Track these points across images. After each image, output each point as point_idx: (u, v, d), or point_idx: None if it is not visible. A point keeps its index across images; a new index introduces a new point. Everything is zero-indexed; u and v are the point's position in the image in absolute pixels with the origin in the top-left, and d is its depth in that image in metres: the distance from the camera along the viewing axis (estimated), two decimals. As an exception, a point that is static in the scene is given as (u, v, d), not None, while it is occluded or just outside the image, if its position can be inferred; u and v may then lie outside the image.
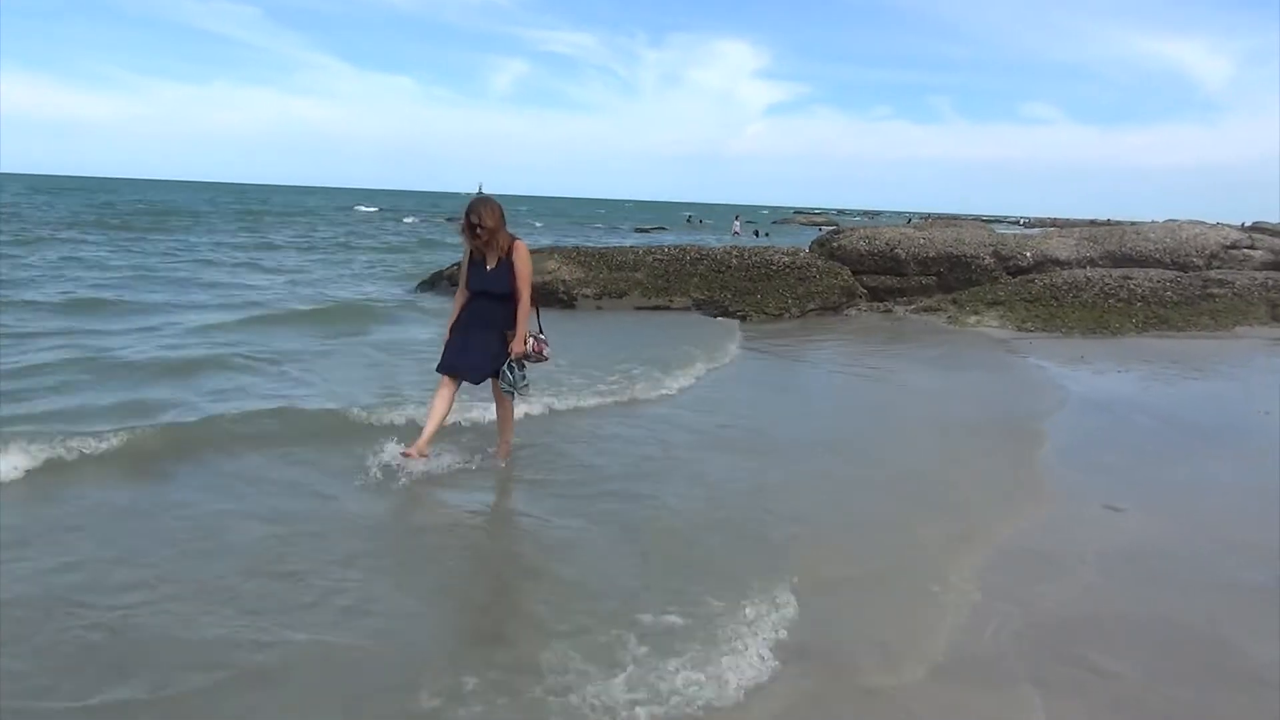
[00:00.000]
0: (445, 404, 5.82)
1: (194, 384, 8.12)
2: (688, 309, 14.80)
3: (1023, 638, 3.87)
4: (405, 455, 5.65)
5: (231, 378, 8.49)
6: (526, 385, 5.87)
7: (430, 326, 11.81)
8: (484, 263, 5.72)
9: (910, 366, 10.92)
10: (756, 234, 48.07)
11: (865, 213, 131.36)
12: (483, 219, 5.56)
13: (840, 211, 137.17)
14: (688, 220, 66.79)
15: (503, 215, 5.67)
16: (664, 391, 8.68)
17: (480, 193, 5.58)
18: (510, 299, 5.71)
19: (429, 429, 5.75)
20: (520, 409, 6.53)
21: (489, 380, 5.93)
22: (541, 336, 5.93)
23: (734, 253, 16.52)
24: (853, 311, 15.46)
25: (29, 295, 13.56)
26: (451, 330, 5.89)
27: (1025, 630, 3.93)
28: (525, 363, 5.82)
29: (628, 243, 25.38)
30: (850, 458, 6.76)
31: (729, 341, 11.87)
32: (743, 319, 14.23)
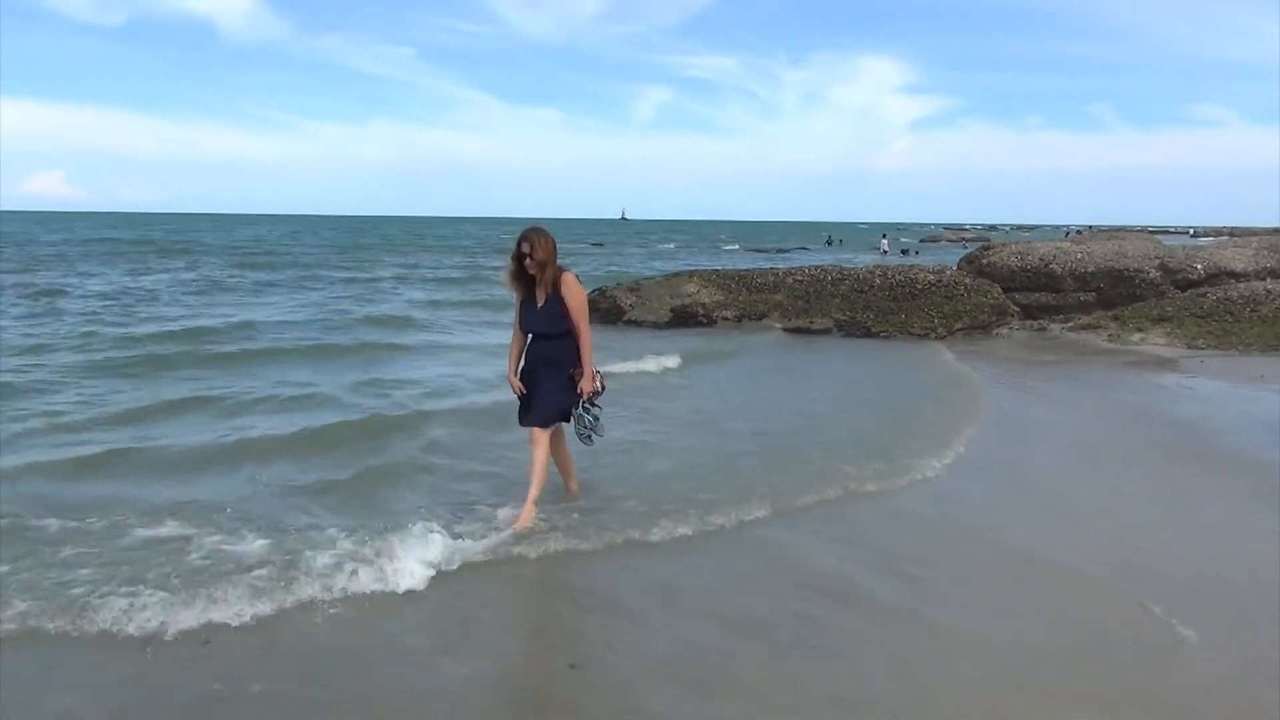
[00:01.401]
0: (544, 458, 5.38)
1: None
2: (828, 330, 14.61)
3: None
4: (519, 529, 5.15)
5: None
6: (602, 424, 5.45)
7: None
8: (535, 301, 5.26)
9: (1073, 388, 10.37)
10: (904, 252, 46.97)
11: (1019, 227, 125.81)
12: (535, 249, 5.11)
13: (992, 227, 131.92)
14: (828, 241, 65.83)
15: (555, 248, 5.21)
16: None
17: (532, 226, 5.24)
18: (567, 336, 5.25)
19: (533, 491, 5.32)
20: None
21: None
22: (598, 370, 5.47)
23: (877, 272, 16.21)
24: (1004, 331, 14.86)
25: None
26: (519, 377, 5.47)
27: None
28: (596, 400, 5.43)
29: (767, 264, 25.36)
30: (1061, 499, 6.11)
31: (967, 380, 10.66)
32: (886, 339, 13.93)
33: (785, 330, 14.61)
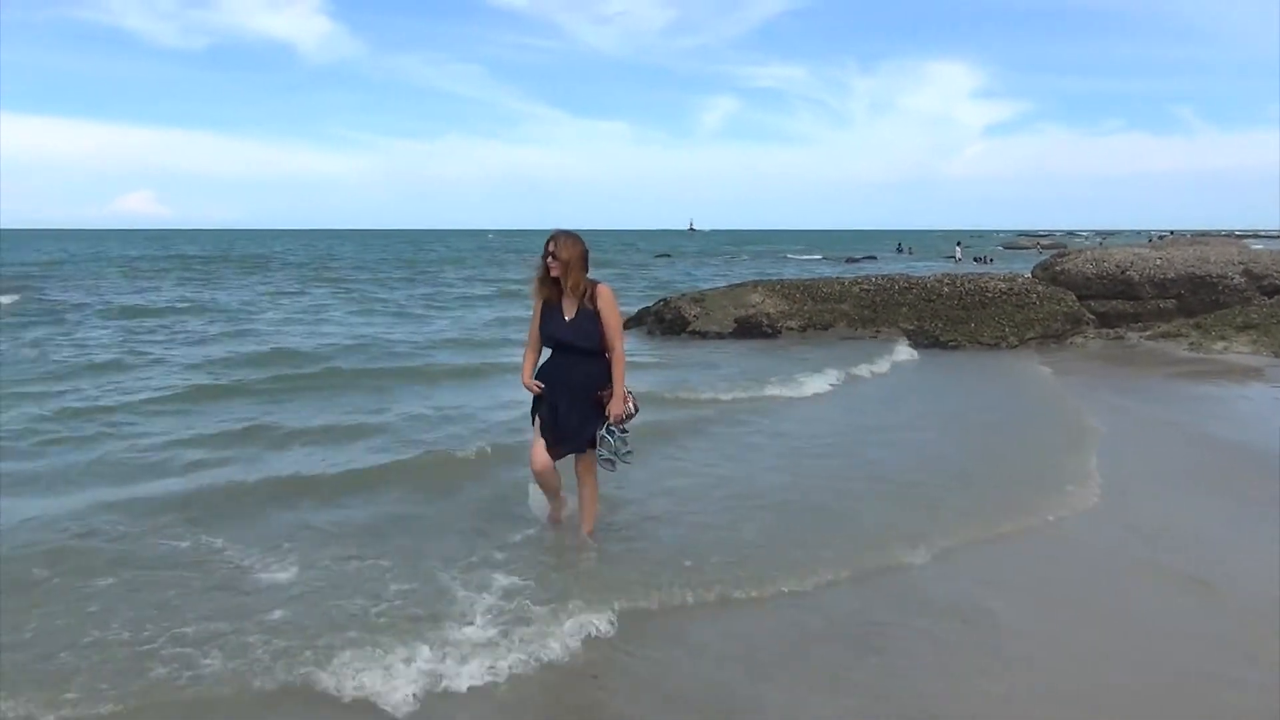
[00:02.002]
0: (553, 478, 5.16)
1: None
2: (894, 340, 14.41)
3: None
4: (553, 520, 5.36)
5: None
6: (629, 452, 5.01)
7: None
8: (560, 310, 4.90)
9: (1164, 401, 9.99)
10: (979, 259, 46.05)
11: (1098, 233, 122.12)
12: (559, 248, 4.80)
13: (1070, 233, 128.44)
14: (899, 249, 64.85)
15: (585, 256, 4.89)
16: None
17: (561, 229, 4.93)
18: (598, 354, 4.90)
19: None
20: None
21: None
22: (629, 391, 5.08)
23: (945, 280, 15.94)
24: (1078, 339, 14.46)
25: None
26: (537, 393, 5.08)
27: None
28: (625, 426, 5.03)
29: (833, 273, 25.12)
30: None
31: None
32: (955, 349, 13.68)
33: (841, 339, 14.47)
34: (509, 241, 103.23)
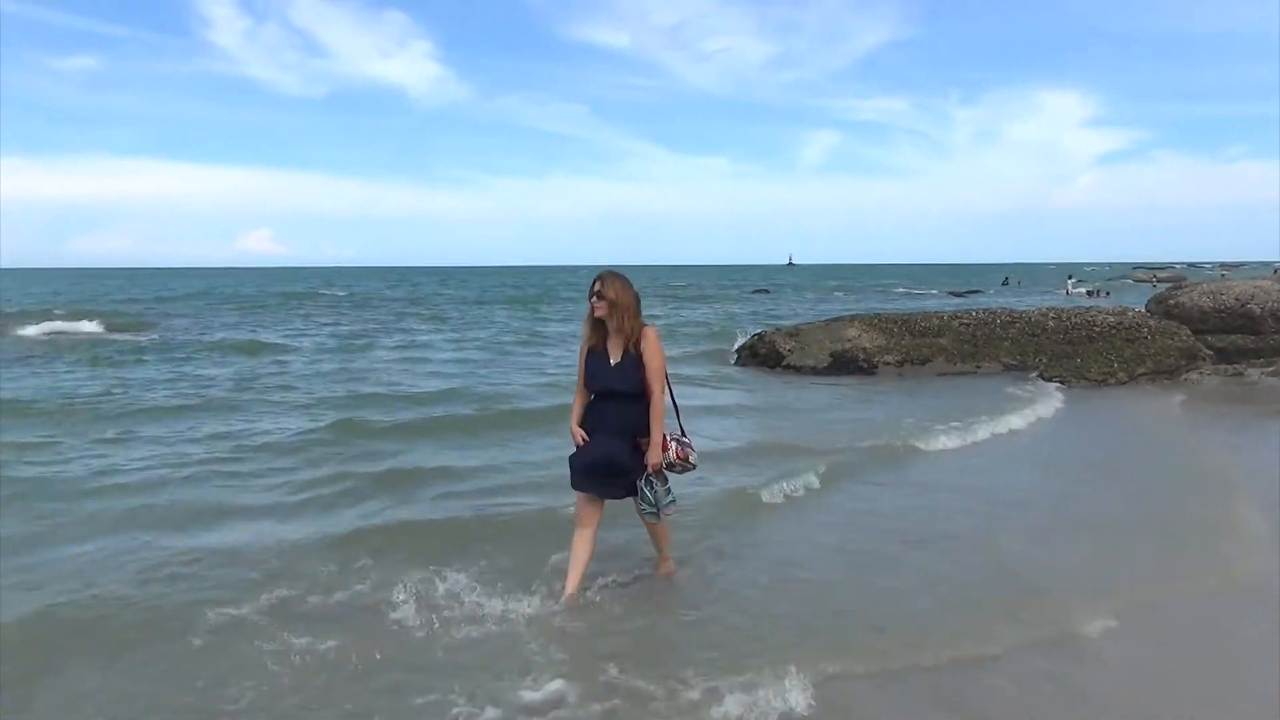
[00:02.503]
0: (585, 544, 4.84)
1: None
2: (996, 374, 14.09)
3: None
4: (566, 590, 4.78)
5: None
6: (672, 502, 4.80)
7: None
8: (606, 355, 4.72)
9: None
10: (1091, 293, 44.47)
11: (1222, 265, 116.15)
12: (605, 288, 4.63)
13: (1190, 265, 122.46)
14: (1004, 282, 63.05)
15: (637, 300, 4.71)
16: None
17: (609, 269, 4.83)
18: (640, 397, 4.66)
19: (572, 575, 4.82)
20: None
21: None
22: (686, 440, 4.88)
23: (1050, 314, 15.55)
24: (1193, 375, 13.86)
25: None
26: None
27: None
28: (668, 475, 4.80)
29: (934, 306, 24.69)
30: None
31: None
32: (1061, 384, 13.28)
33: (939, 374, 14.20)
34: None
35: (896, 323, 15.79)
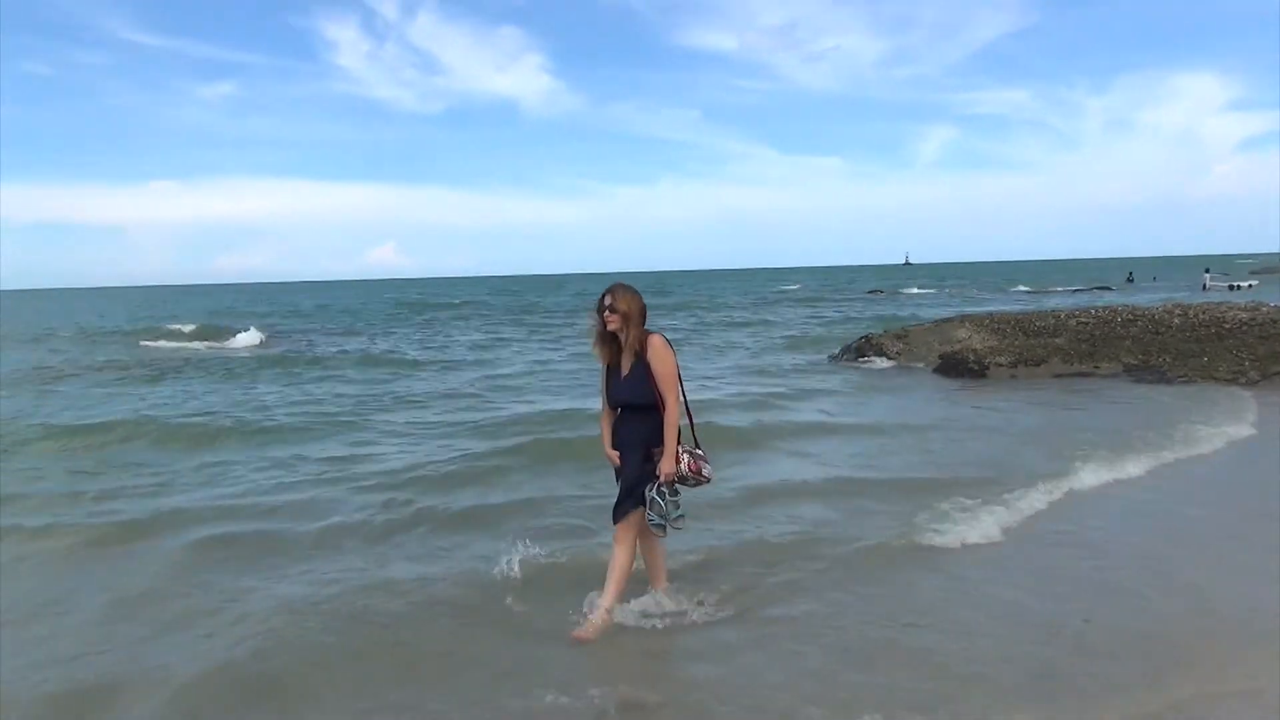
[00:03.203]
0: (625, 558, 4.67)
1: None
2: (1115, 375, 13.62)
3: None
4: (578, 639, 4.47)
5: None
6: (681, 516, 4.59)
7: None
8: (620, 370, 4.62)
9: None
10: (1233, 287, 41.99)
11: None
12: (616, 300, 4.50)
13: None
14: (1129, 279, 59.97)
15: (643, 310, 4.57)
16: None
17: (619, 281, 4.70)
18: (653, 409, 4.53)
19: (610, 591, 4.63)
20: None
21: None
22: (699, 452, 4.66)
23: (1176, 310, 14.93)
24: (1336, 374, 13.02)
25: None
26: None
27: None
28: (679, 487, 4.60)
29: (1055, 305, 23.87)
30: None
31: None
32: (1185, 384, 12.73)
33: (1054, 376, 13.78)
34: (723, 282, 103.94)
35: (1009, 323, 15.44)
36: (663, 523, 4.50)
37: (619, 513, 4.61)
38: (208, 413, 12.25)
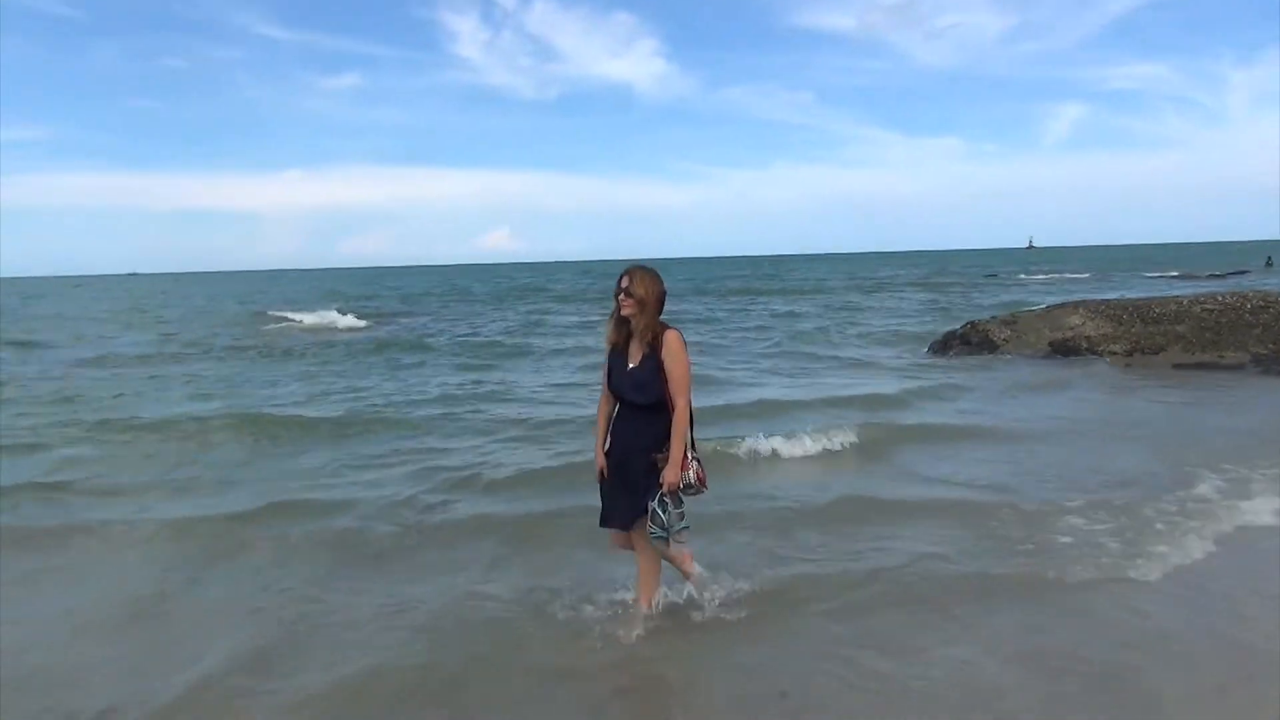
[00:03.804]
0: (650, 561, 4.51)
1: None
2: (1240, 366, 12.86)
3: None
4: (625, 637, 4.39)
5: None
6: (685, 528, 4.33)
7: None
8: (626, 357, 4.32)
9: None
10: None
11: None
12: (633, 284, 4.20)
13: None
14: (1267, 263, 55.77)
15: (662, 298, 4.25)
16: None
17: (638, 263, 4.43)
18: (660, 409, 4.23)
19: (642, 604, 4.55)
20: None
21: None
22: (695, 458, 4.34)
23: (1313, 297, 13.94)
24: None
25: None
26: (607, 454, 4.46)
27: None
28: (682, 497, 4.29)
29: (1188, 291, 22.45)
30: None
31: None
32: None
33: (1174, 366, 13.09)
34: (831, 266, 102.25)
35: (1126, 309, 14.74)
36: (665, 535, 4.26)
37: (617, 519, 4.42)
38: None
